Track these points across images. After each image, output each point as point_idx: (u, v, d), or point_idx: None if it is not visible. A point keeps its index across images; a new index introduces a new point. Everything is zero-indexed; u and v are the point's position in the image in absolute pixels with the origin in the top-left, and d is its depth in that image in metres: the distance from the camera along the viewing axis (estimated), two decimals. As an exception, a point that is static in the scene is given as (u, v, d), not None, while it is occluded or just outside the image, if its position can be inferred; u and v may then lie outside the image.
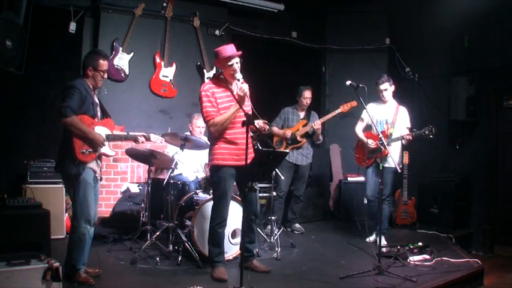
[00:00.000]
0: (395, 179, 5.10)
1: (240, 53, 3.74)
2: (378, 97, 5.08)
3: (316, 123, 5.31)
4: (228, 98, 3.71)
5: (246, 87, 3.62)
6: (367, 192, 5.16)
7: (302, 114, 5.58)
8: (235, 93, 3.64)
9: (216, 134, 3.72)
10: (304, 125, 5.46)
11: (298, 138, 5.41)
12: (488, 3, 5.78)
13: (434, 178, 6.16)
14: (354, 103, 5.23)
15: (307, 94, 5.52)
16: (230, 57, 3.70)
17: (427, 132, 4.63)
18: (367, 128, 5.22)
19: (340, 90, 5.38)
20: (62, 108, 3.25)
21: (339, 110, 5.33)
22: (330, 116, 5.39)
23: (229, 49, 3.73)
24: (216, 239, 3.79)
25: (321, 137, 5.54)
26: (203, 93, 3.73)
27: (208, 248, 3.87)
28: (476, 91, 5.93)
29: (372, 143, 4.95)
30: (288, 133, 5.33)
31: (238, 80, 3.66)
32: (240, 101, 3.59)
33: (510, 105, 5.77)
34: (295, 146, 5.41)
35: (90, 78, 3.48)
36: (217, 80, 3.81)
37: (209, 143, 3.92)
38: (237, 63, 3.72)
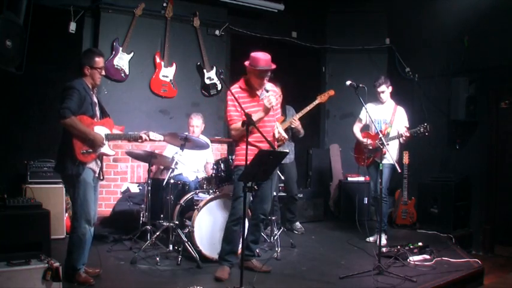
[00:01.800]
0: (394, 176, 5.11)
1: (274, 67, 3.75)
2: (376, 98, 5.11)
3: (293, 121, 5.19)
4: (252, 103, 3.76)
5: (273, 100, 3.66)
6: (372, 188, 5.21)
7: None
8: (260, 98, 3.71)
9: (237, 137, 3.80)
10: (283, 121, 5.32)
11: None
12: (488, 3, 5.78)
13: (434, 178, 6.15)
14: (331, 92, 5.23)
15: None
16: (263, 71, 3.71)
17: (422, 130, 4.64)
18: (365, 129, 5.24)
19: (340, 90, 5.36)
20: (60, 110, 3.25)
21: (317, 102, 5.26)
22: (307, 109, 5.25)
23: (263, 61, 3.70)
24: (230, 236, 3.80)
25: (302, 131, 5.37)
26: (229, 96, 3.77)
27: (221, 245, 3.88)
28: (476, 91, 5.94)
29: (369, 143, 4.98)
30: None
31: (267, 91, 3.70)
32: (265, 110, 3.66)
33: (510, 105, 5.77)
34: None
35: (89, 77, 3.49)
36: (245, 84, 3.85)
37: (233, 143, 3.97)
38: (268, 75, 3.75)
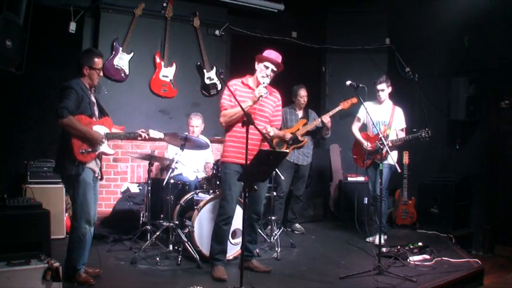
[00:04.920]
0: (394, 176, 5.10)
1: (282, 67, 3.84)
2: (374, 97, 5.10)
3: (325, 117, 5.28)
4: (245, 98, 3.77)
5: (264, 91, 3.67)
6: (370, 189, 5.21)
7: (300, 114, 5.59)
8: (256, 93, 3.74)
9: (224, 125, 3.87)
10: (305, 124, 5.45)
11: (300, 137, 5.39)
12: (488, 3, 5.78)
13: (434, 178, 6.15)
14: (354, 100, 5.24)
15: (303, 93, 5.55)
16: (270, 62, 3.79)
17: (423, 134, 4.68)
18: (363, 128, 5.23)
19: (340, 90, 5.39)
20: (58, 109, 3.26)
21: (340, 107, 5.32)
22: (332, 112, 5.35)
23: (275, 55, 3.85)
24: (220, 235, 3.81)
25: (329, 131, 5.48)
26: (227, 86, 3.84)
27: (210, 245, 3.88)
28: (476, 91, 5.93)
29: (369, 146, 4.97)
30: (288, 135, 5.31)
31: (263, 83, 3.73)
32: (252, 100, 3.69)
33: (510, 105, 5.77)
34: (297, 145, 5.38)
35: (87, 77, 3.49)
36: (247, 81, 3.91)
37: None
38: (272, 70, 3.81)
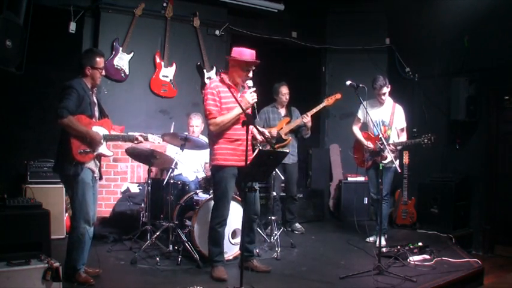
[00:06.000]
0: (395, 178, 5.09)
1: (258, 62, 3.77)
2: (373, 97, 5.01)
3: (306, 117, 5.20)
4: (232, 99, 3.68)
5: (255, 95, 3.65)
6: (371, 190, 5.18)
7: (283, 112, 5.53)
8: (240, 94, 3.67)
9: (215, 133, 3.74)
10: (288, 123, 5.39)
11: (283, 136, 5.32)
12: (488, 3, 5.77)
13: (434, 178, 6.15)
14: (338, 95, 5.23)
15: (284, 90, 5.49)
16: (249, 64, 3.71)
17: (426, 140, 4.57)
18: (364, 128, 5.21)
19: (340, 90, 5.36)
20: (58, 109, 3.26)
21: (323, 104, 5.28)
22: (315, 109, 5.29)
23: (249, 53, 3.74)
24: (216, 238, 3.79)
25: (309, 131, 5.41)
26: (209, 90, 3.73)
27: (208, 248, 3.88)
28: (476, 91, 5.93)
29: (370, 145, 4.94)
30: (274, 131, 5.27)
31: (250, 88, 3.68)
32: (245, 105, 3.61)
33: (510, 105, 5.77)
34: (281, 144, 5.30)
35: (89, 77, 3.50)
36: (226, 79, 3.80)
37: (209, 142, 3.92)
38: (252, 70, 3.75)
